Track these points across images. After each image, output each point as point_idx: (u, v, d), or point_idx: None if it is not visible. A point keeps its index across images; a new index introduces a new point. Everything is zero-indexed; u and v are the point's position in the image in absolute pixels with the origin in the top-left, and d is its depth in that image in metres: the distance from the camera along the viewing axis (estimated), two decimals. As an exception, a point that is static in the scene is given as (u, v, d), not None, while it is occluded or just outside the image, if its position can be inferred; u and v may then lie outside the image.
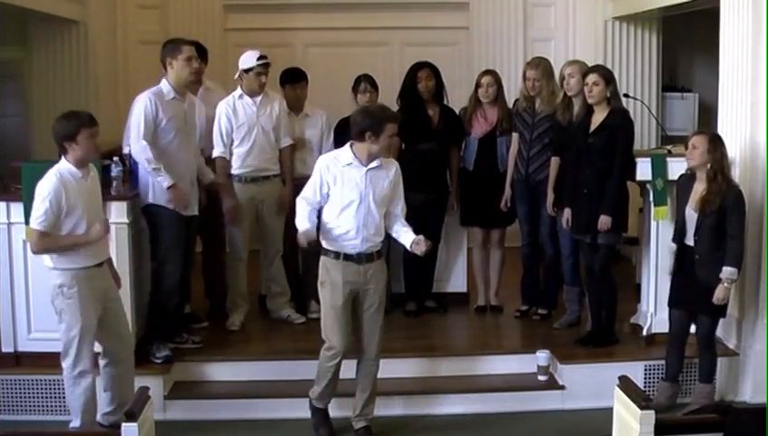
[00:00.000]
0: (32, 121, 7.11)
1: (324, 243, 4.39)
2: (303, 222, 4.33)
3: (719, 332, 5.25)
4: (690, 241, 4.66)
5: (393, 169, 4.43)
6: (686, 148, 4.66)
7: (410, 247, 4.39)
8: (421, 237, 4.36)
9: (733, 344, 5.13)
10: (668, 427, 3.37)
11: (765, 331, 4.91)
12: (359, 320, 4.44)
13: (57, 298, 4.22)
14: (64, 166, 4.16)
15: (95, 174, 4.39)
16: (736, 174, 5.08)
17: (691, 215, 4.65)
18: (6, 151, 6.35)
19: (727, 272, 4.50)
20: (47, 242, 4.12)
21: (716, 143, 4.57)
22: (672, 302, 4.82)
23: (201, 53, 5.58)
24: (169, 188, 4.83)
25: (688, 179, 4.72)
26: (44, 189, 4.08)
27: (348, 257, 4.34)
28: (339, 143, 5.03)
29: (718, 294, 4.51)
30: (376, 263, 4.40)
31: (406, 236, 4.42)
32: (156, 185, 4.86)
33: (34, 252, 4.24)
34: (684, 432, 3.53)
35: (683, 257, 4.72)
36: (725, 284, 4.50)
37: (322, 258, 4.42)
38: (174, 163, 4.90)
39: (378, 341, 4.45)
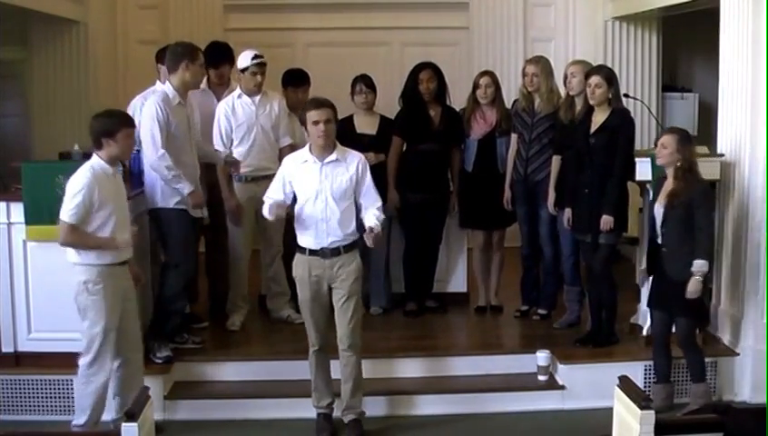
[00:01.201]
0: (32, 121, 7.13)
1: (297, 239, 4.50)
2: (266, 206, 4.44)
3: (719, 332, 5.27)
4: (659, 238, 4.68)
5: (355, 163, 4.43)
6: (655, 146, 4.67)
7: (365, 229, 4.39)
8: (375, 227, 4.32)
9: (734, 344, 5.13)
10: (668, 427, 3.36)
11: (765, 331, 4.91)
12: (334, 313, 4.51)
13: (81, 294, 4.22)
14: (97, 162, 4.22)
15: (120, 174, 4.44)
16: (736, 174, 5.10)
17: (658, 211, 4.67)
18: (6, 151, 6.36)
19: (697, 264, 4.49)
20: (75, 235, 4.15)
21: (685, 142, 4.59)
22: (651, 303, 4.85)
23: (227, 56, 5.64)
24: (189, 194, 4.85)
25: (663, 180, 4.73)
26: (78, 183, 4.13)
27: (313, 252, 4.42)
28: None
29: (690, 288, 4.50)
30: (343, 257, 4.42)
31: (367, 218, 4.41)
32: (164, 188, 4.86)
33: (61, 244, 4.23)
34: (683, 432, 3.53)
35: (655, 256, 4.73)
36: (697, 277, 4.49)
37: (296, 254, 4.53)
38: (186, 168, 4.89)
39: (350, 332, 4.47)
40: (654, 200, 4.74)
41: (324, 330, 4.53)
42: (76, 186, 4.12)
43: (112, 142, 4.18)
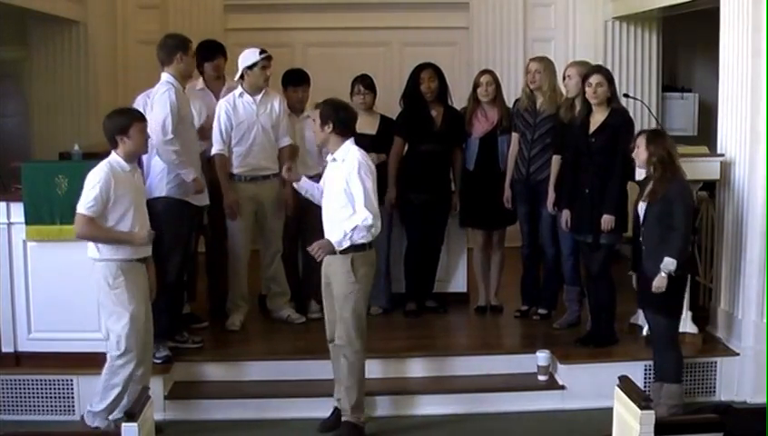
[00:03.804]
0: (32, 121, 7.14)
1: None
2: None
3: (719, 332, 5.27)
4: (641, 236, 4.68)
5: (346, 166, 4.34)
6: (631, 151, 4.65)
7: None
8: (320, 243, 4.34)
9: (734, 344, 5.13)
10: (668, 427, 3.37)
11: (765, 331, 4.91)
12: None
13: (103, 290, 4.29)
14: (114, 159, 4.31)
15: (139, 172, 4.50)
16: (736, 174, 5.10)
17: (641, 208, 4.66)
18: (6, 151, 6.36)
19: (666, 262, 4.46)
20: (92, 228, 4.23)
21: (653, 139, 4.59)
22: (638, 303, 4.87)
23: (221, 50, 5.70)
24: (193, 180, 4.90)
25: (649, 179, 4.71)
26: (95, 177, 4.22)
27: None
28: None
29: (655, 283, 4.48)
30: (336, 259, 4.39)
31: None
32: (162, 178, 4.87)
33: (77, 236, 4.29)
34: (684, 432, 3.53)
35: (639, 256, 4.73)
36: (662, 274, 4.46)
37: None
38: (190, 156, 4.93)
39: (338, 328, 4.44)
40: (639, 199, 4.74)
41: (331, 324, 4.55)
42: (93, 180, 4.22)
43: (126, 138, 4.29)
